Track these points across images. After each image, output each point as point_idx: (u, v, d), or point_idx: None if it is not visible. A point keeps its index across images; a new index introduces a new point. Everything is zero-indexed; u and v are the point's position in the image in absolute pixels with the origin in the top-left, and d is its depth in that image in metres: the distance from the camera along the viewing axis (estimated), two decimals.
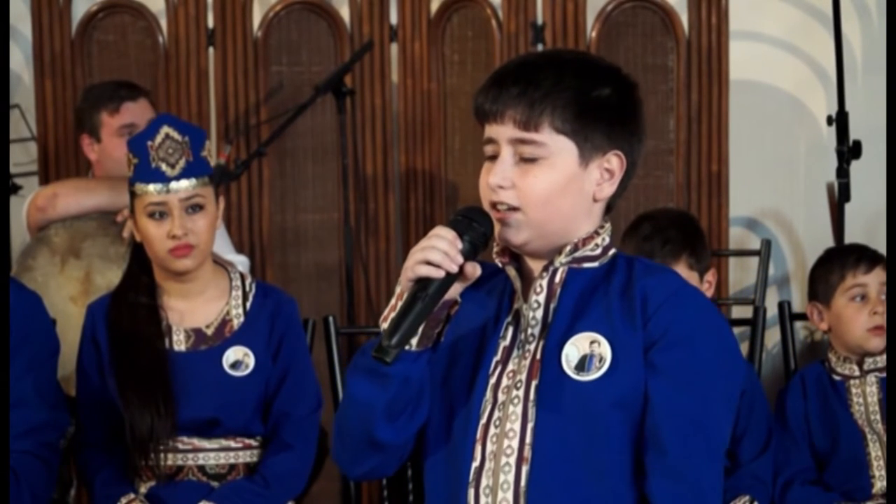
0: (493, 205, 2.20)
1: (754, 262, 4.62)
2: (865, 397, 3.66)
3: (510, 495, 2.17)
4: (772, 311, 4.18)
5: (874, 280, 3.69)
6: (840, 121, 4.30)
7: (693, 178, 4.71)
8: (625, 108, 2.22)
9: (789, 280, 4.91)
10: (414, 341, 2.17)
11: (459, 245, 2.15)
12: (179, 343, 3.33)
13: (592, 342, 2.18)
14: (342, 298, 4.73)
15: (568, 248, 2.22)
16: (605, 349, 2.17)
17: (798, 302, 4.68)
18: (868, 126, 4.43)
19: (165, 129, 3.27)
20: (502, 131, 2.19)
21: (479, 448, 2.20)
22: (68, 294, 3.79)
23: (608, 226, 2.27)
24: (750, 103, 4.81)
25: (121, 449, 3.29)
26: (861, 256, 3.72)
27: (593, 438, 2.16)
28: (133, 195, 3.30)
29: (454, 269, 2.14)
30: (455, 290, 2.18)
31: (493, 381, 2.22)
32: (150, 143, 3.26)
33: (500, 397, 2.20)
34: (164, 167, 3.25)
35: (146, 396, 3.24)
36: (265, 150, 4.55)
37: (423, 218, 4.85)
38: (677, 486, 2.15)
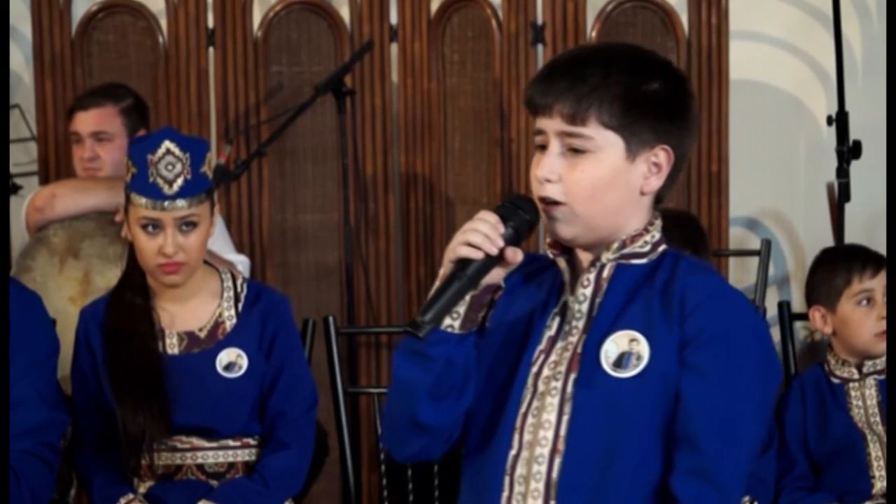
0: (541, 199, 2.21)
1: (754, 262, 4.62)
2: (864, 400, 3.65)
3: (542, 486, 2.18)
4: (772, 311, 4.17)
5: (879, 284, 3.66)
6: (840, 121, 4.30)
7: (693, 178, 4.70)
8: (673, 102, 2.22)
9: (789, 280, 4.90)
10: (456, 324, 2.20)
11: (502, 229, 2.17)
12: (172, 346, 3.32)
13: (632, 340, 2.19)
14: (342, 298, 4.73)
15: (616, 244, 2.23)
16: (643, 347, 2.19)
17: (798, 302, 4.68)
18: (868, 126, 4.43)
19: (167, 144, 3.20)
20: (550, 124, 2.20)
21: (516, 436, 2.21)
22: (67, 294, 3.79)
23: (658, 222, 2.27)
24: (750, 103, 4.81)
25: (119, 449, 3.28)
26: (866, 260, 3.68)
27: (625, 435, 2.17)
28: (128, 199, 3.26)
29: (494, 251, 2.16)
30: (497, 275, 2.19)
31: (534, 369, 2.24)
32: (150, 156, 3.19)
33: (540, 387, 2.22)
34: (161, 183, 3.19)
35: (140, 397, 3.23)
36: (265, 150, 4.55)
37: (423, 218, 4.85)
38: (704, 485, 2.16)
